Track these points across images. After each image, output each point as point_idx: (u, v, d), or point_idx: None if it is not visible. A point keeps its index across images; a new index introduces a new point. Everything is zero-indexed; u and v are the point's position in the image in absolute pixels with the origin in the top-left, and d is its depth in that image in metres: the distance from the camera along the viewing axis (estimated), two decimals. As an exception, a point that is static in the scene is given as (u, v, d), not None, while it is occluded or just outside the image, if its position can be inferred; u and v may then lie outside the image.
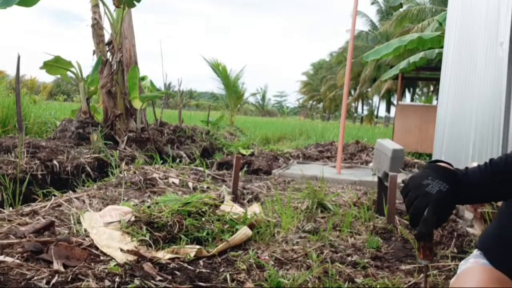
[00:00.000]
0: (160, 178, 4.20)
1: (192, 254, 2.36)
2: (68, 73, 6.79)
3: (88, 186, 3.95)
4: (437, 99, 10.20)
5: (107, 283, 1.93)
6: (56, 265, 2.03)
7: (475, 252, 1.53)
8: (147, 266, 2.15)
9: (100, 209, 3.00)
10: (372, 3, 32.74)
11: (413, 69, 11.53)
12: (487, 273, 1.30)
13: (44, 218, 2.74)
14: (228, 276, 2.16)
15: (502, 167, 1.29)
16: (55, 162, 4.54)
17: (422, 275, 2.36)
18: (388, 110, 40.84)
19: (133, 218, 2.63)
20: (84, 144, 5.88)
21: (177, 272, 2.17)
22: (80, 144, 5.88)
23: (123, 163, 4.95)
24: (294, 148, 9.74)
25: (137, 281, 1.98)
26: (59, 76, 7.41)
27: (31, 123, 7.32)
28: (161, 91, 11.84)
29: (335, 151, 8.36)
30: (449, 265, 2.51)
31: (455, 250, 2.78)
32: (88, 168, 4.82)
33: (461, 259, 2.61)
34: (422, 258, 1.30)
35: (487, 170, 1.30)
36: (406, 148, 7.42)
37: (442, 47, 8.18)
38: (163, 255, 2.31)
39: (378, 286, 2.18)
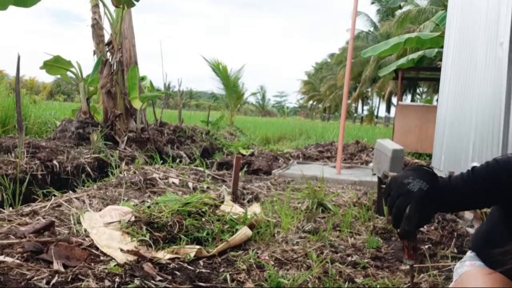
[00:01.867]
0: (160, 178, 4.20)
1: (192, 254, 2.36)
2: (68, 73, 6.79)
3: (88, 186, 3.95)
4: (437, 99, 10.20)
5: (107, 283, 1.93)
6: (56, 265, 2.03)
7: (469, 253, 1.54)
8: (147, 266, 2.15)
9: (100, 209, 3.00)
10: (372, 3, 32.76)
11: (412, 67, 11.53)
12: (490, 277, 1.31)
13: (44, 218, 2.74)
14: (228, 276, 2.16)
15: (483, 174, 1.30)
16: (55, 162, 4.54)
17: (422, 275, 2.36)
18: (388, 110, 40.85)
19: (133, 218, 2.63)
20: (84, 144, 5.88)
21: (177, 272, 2.17)
22: (80, 144, 5.88)
23: (123, 163, 4.94)
24: (294, 148, 9.74)
25: (137, 281, 1.98)
26: (59, 76, 7.42)
27: (31, 123, 7.33)
28: (161, 91, 11.84)
29: (335, 151, 8.36)
30: (449, 265, 2.50)
31: (455, 250, 2.78)
32: (88, 168, 4.82)
33: (461, 259, 2.61)
34: (407, 258, 1.31)
35: (469, 179, 1.31)
36: (406, 148, 7.42)
37: (441, 47, 8.18)
38: (163, 255, 2.31)
39: (378, 286, 2.18)
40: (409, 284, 2.22)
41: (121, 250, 2.26)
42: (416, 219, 1.23)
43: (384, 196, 1.32)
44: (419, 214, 1.22)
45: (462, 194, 1.31)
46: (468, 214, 3.74)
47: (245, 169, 6.03)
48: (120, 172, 4.44)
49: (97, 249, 2.30)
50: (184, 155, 6.92)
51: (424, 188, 1.23)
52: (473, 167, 1.34)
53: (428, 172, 1.29)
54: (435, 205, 1.28)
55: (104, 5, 6.68)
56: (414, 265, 1.34)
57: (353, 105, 47.11)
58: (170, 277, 2.11)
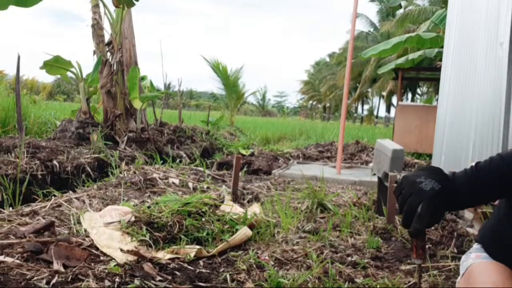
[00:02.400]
0: (160, 178, 4.20)
1: (192, 254, 2.36)
2: (68, 73, 6.79)
3: (88, 186, 3.95)
4: (437, 99, 10.20)
5: (107, 283, 1.93)
6: (56, 265, 2.03)
7: (475, 245, 1.56)
8: (147, 266, 2.15)
9: (100, 209, 3.00)
10: (372, 0, 32.81)
11: (412, 67, 11.52)
12: (496, 269, 1.34)
13: (44, 218, 2.74)
14: (228, 276, 2.16)
15: (487, 170, 1.31)
16: (55, 162, 4.54)
17: (422, 275, 2.36)
18: (388, 110, 40.86)
19: (133, 218, 2.63)
20: (84, 144, 5.88)
21: (177, 272, 2.17)
22: (80, 144, 5.88)
23: (123, 163, 4.94)
24: (294, 148, 9.74)
25: (137, 281, 1.98)
26: (59, 76, 7.41)
27: (31, 123, 7.32)
28: (161, 91, 11.84)
29: (335, 151, 8.36)
30: (449, 265, 2.51)
31: (455, 250, 2.78)
32: (88, 168, 4.82)
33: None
34: (416, 258, 1.32)
35: (473, 174, 1.32)
36: (406, 148, 7.41)
37: (441, 47, 8.19)
38: (163, 255, 2.31)
39: (378, 286, 2.18)
40: (415, 284, 2.22)
41: (121, 250, 2.26)
42: (427, 217, 1.23)
43: (396, 195, 1.32)
44: (430, 213, 1.23)
45: (467, 191, 1.32)
46: (468, 214, 3.74)
47: (245, 169, 6.03)
48: (120, 172, 4.45)
49: (97, 249, 2.30)
50: (184, 155, 6.92)
51: (436, 188, 1.23)
52: (477, 163, 1.35)
53: (440, 172, 1.30)
54: (446, 204, 1.28)
55: (104, 5, 6.69)
56: (422, 265, 1.35)
57: (353, 105, 47.08)
58: (170, 277, 2.11)
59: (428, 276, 2.33)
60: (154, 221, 2.57)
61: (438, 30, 10.04)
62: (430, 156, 7.79)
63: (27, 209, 2.93)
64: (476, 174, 1.32)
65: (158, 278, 2.07)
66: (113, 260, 2.19)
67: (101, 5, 6.74)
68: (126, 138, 6.35)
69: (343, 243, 2.81)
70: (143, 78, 7.85)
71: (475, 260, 1.44)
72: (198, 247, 2.43)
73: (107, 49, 6.79)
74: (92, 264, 2.13)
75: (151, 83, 8.34)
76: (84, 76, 6.72)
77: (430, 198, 1.22)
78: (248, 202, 3.81)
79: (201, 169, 5.06)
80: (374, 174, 4.01)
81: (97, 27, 6.74)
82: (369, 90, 40.52)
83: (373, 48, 10.72)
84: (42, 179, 4.23)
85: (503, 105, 3.45)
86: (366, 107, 51.17)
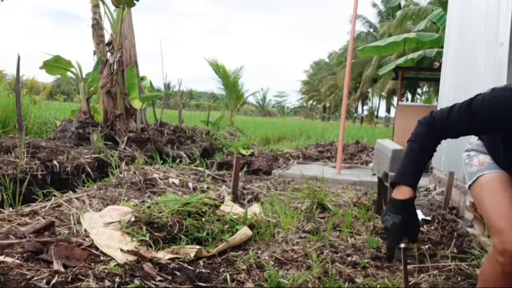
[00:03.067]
0: (160, 178, 4.20)
1: (192, 254, 2.36)
2: (68, 73, 6.79)
3: (88, 186, 3.95)
4: (437, 99, 10.20)
5: (107, 283, 1.93)
6: (56, 265, 2.03)
7: (475, 141, 1.75)
8: (147, 266, 2.15)
9: (100, 209, 3.00)
10: (374, 6, 32.93)
11: (412, 67, 11.52)
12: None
13: (44, 218, 2.74)
14: (228, 276, 2.16)
15: (477, 109, 1.45)
16: (55, 162, 4.54)
17: (422, 275, 2.36)
18: (388, 110, 40.84)
19: (133, 219, 2.63)
20: (84, 144, 5.87)
21: (177, 272, 2.17)
22: (80, 144, 5.88)
23: (123, 163, 4.95)
24: (294, 148, 9.74)
25: (137, 281, 1.98)
26: (59, 76, 7.41)
27: (31, 123, 7.31)
28: (161, 91, 11.83)
29: (335, 151, 8.36)
30: (449, 265, 2.51)
31: (455, 250, 2.78)
32: (88, 168, 4.82)
33: (461, 259, 2.61)
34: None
35: (465, 113, 1.48)
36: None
37: (441, 47, 8.19)
38: (163, 255, 2.31)
39: (378, 286, 2.18)
40: (415, 284, 2.22)
41: (121, 250, 2.26)
42: (393, 248, 1.57)
43: None
44: (394, 244, 1.55)
45: (459, 126, 1.51)
46: (468, 214, 3.74)
47: (245, 169, 6.03)
48: (120, 172, 4.44)
49: (97, 249, 2.30)
50: (184, 155, 6.92)
51: (396, 221, 1.49)
52: (474, 97, 1.48)
53: (401, 203, 1.51)
54: (412, 226, 1.54)
55: (105, 4, 6.68)
56: (408, 248, 1.59)
57: (353, 105, 47.03)
58: (170, 277, 2.11)
59: (428, 276, 2.33)
60: (154, 221, 2.57)
61: (436, 28, 10.06)
62: (430, 156, 7.78)
63: (27, 209, 2.93)
64: (468, 113, 1.46)
65: (158, 278, 2.07)
66: (113, 260, 2.19)
67: (101, 5, 6.74)
68: (126, 138, 6.35)
69: (343, 243, 2.81)
70: (142, 78, 7.85)
71: (480, 170, 1.64)
72: (198, 247, 2.43)
73: (107, 49, 6.78)
74: (92, 264, 2.13)
75: (151, 83, 8.34)
76: (84, 76, 6.72)
77: (390, 233, 1.52)
78: (248, 202, 3.81)
79: (201, 169, 5.06)
80: (374, 174, 4.01)
81: (97, 27, 6.74)
82: (370, 90, 40.51)
83: (372, 46, 10.72)
84: (42, 179, 4.23)
85: (503, 105, 3.45)
86: (366, 107, 51.16)
